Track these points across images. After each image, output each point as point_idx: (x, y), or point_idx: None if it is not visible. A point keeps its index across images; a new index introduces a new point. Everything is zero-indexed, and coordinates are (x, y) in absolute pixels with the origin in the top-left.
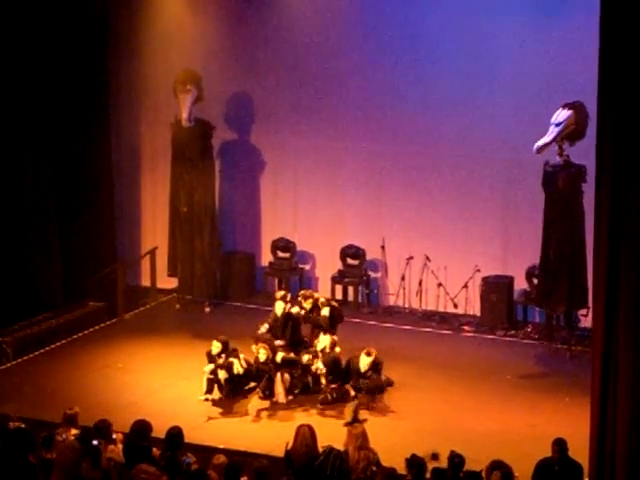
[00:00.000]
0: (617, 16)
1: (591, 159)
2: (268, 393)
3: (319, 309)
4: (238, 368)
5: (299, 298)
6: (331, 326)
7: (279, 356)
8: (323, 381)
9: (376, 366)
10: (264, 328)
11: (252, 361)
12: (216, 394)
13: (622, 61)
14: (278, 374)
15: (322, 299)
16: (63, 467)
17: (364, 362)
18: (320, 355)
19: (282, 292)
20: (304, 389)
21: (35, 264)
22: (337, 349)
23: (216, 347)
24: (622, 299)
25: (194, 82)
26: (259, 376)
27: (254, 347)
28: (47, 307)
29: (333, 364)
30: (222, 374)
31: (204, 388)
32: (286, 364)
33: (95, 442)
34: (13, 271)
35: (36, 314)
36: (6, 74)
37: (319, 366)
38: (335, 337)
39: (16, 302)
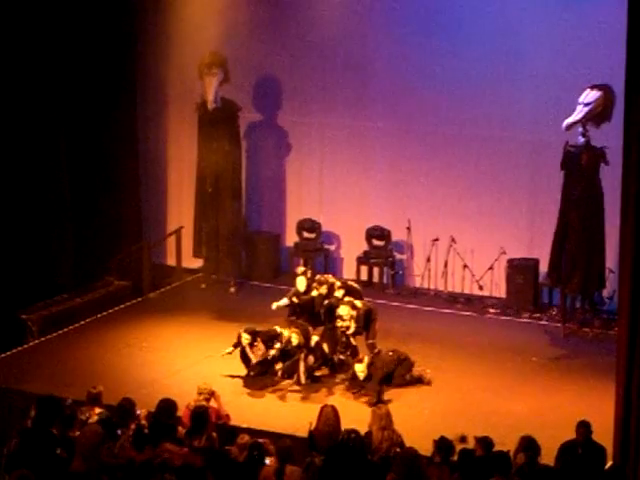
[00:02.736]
0: None
1: (609, 142)
2: (288, 375)
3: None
4: (294, 341)
5: (314, 284)
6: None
7: (313, 340)
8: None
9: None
10: (282, 302)
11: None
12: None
13: None
14: (302, 355)
15: (338, 282)
16: (84, 450)
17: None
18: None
19: (303, 268)
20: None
21: (60, 244)
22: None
23: (246, 339)
24: None
25: (220, 65)
26: (289, 359)
27: (286, 331)
28: (71, 286)
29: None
30: (274, 351)
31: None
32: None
33: (119, 432)
34: (38, 251)
35: (60, 293)
36: (35, 56)
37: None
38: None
39: (40, 282)
